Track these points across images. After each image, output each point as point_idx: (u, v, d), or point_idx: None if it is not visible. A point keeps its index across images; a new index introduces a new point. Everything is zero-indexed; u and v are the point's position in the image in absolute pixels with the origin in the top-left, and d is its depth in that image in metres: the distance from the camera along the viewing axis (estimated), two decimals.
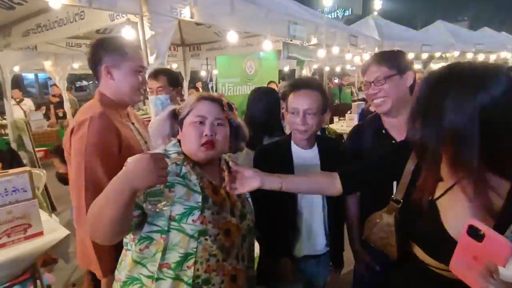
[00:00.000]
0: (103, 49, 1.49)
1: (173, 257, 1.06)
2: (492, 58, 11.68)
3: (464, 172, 0.87)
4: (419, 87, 0.91)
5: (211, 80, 10.16)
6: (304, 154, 1.57)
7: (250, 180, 1.13)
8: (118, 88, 1.52)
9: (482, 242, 0.68)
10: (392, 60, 1.49)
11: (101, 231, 0.98)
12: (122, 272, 1.13)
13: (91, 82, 26.75)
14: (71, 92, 8.43)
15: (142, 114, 8.76)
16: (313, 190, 1.30)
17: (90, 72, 1.58)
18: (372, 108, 1.65)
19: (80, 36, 5.39)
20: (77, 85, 11.83)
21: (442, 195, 0.97)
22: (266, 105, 2.16)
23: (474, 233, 0.69)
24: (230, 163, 1.13)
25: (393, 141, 1.52)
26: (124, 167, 0.94)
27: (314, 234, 1.60)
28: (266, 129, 2.08)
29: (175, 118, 1.23)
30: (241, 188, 1.13)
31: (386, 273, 1.23)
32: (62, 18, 3.77)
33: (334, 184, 1.22)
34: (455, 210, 0.92)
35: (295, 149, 1.58)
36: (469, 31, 12.10)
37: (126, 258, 1.13)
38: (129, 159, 0.94)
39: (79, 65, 7.91)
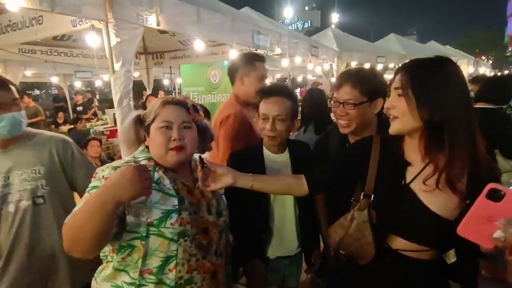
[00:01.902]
0: (240, 62, 2.05)
1: (154, 262, 1.06)
2: None
3: (444, 150, 0.99)
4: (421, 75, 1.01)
5: (174, 88, 10.01)
6: (276, 159, 1.61)
7: (223, 177, 1.15)
8: (246, 91, 2.01)
9: (500, 201, 0.78)
10: (366, 85, 1.45)
11: (82, 245, 0.94)
12: (102, 282, 1.11)
13: (43, 91, 25.18)
14: (31, 100, 7.92)
15: (102, 124, 8.42)
16: (282, 189, 1.33)
17: (44, 80, 1.72)
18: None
19: (34, 42, 5.10)
20: (30, 94, 11.04)
21: (413, 179, 1.06)
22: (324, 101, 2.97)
23: (493, 195, 0.79)
24: (205, 159, 1.14)
25: None
26: (106, 180, 0.94)
27: (286, 236, 1.64)
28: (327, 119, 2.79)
29: (141, 124, 1.23)
30: (214, 185, 1.15)
31: (358, 269, 1.23)
32: (16, 22, 3.55)
33: (301, 184, 1.26)
34: (429, 188, 1.01)
35: (267, 154, 1.62)
36: (418, 44, 13.04)
37: (107, 269, 1.11)
38: (113, 173, 0.95)
39: (32, 73, 7.47)
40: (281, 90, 1.57)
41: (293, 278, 1.76)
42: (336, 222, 1.23)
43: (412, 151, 1.08)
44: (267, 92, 1.58)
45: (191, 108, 1.23)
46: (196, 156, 1.34)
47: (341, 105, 1.48)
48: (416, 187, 1.05)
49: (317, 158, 1.73)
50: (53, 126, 9.00)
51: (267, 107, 1.54)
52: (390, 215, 1.09)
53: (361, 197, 1.16)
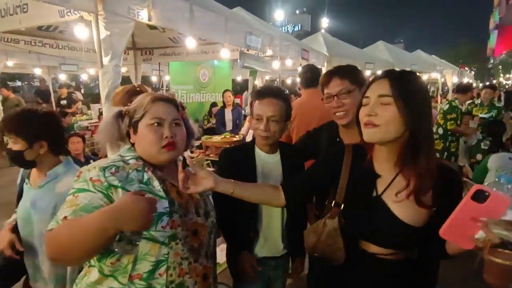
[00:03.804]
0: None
1: (144, 266, 1.02)
2: (425, 78, 12.96)
3: (419, 162, 1.04)
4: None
5: (162, 86, 9.87)
6: (267, 159, 1.63)
7: (203, 181, 1.14)
8: None
9: (485, 202, 0.81)
10: (353, 75, 1.57)
11: (69, 259, 0.91)
12: None
13: (26, 83, 24.42)
14: (10, 91, 7.66)
15: (86, 119, 8.23)
16: (261, 199, 1.35)
17: (26, 71, 1.63)
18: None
19: (18, 32, 4.91)
20: (10, 86, 10.47)
21: (384, 190, 1.10)
22: None
23: (478, 196, 0.82)
24: (188, 161, 1.12)
25: None
26: (115, 203, 0.89)
27: (272, 237, 1.65)
28: None
29: (122, 120, 1.19)
30: (194, 188, 1.13)
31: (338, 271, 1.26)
32: None
33: (279, 195, 1.29)
34: (400, 199, 1.07)
35: (258, 153, 1.63)
36: (406, 52, 13.29)
37: (90, 274, 1.05)
38: (123, 197, 0.89)
39: (14, 63, 7.22)
40: (275, 92, 1.58)
41: (278, 281, 1.76)
42: (310, 227, 1.28)
43: (381, 161, 1.12)
44: (261, 93, 1.59)
45: (180, 105, 1.22)
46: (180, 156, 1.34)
47: (335, 97, 1.57)
48: (387, 197, 1.09)
49: (304, 155, 1.77)
50: None
51: (261, 108, 1.55)
52: (362, 224, 1.13)
53: (332, 205, 1.19)
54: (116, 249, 0.96)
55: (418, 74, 1.10)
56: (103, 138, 1.19)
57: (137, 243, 0.98)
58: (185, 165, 1.10)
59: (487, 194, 0.81)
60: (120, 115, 1.19)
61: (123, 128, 1.18)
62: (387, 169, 1.11)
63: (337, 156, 1.24)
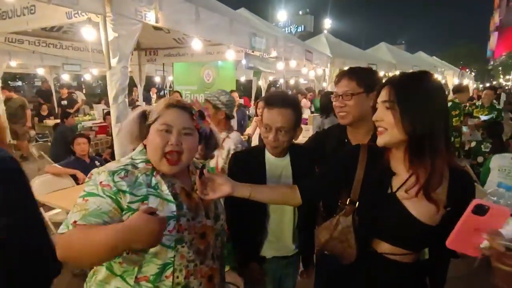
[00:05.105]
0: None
1: (151, 269, 1.03)
2: None
3: (425, 161, 1.06)
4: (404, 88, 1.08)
5: (165, 86, 9.87)
6: (277, 162, 1.63)
7: (221, 187, 1.17)
8: None
9: (485, 215, 0.84)
10: (362, 78, 1.57)
11: (80, 265, 0.96)
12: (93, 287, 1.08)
13: (26, 82, 24.45)
14: (11, 92, 7.62)
15: (90, 119, 8.24)
16: (278, 200, 1.38)
17: (28, 71, 1.56)
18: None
19: (22, 32, 4.92)
20: (11, 85, 10.46)
21: (399, 188, 1.12)
22: None
23: (478, 210, 0.84)
24: (204, 171, 1.13)
25: None
26: (126, 222, 0.89)
27: (283, 236, 1.66)
28: None
29: (145, 120, 1.17)
30: (212, 194, 1.16)
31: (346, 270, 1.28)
32: (6, 11, 3.41)
33: (295, 195, 1.31)
34: (410, 196, 1.08)
35: (268, 157, 1.63)
36: (407, 53, 13.30)
37: (99, 273, 1.07)
38: (134, 216, 0.89)
39: (17, 63, 7.23)
40: (284, 101, 1.55)
41: (290, 279, 1.78)
42: (322, 224, 1.29)
43: (398, 161, 1.14)
44: (270, 102, 1.56)
45: (196, 114, 1.18)
46: (196, 161, 1.33)
47: (340, 97, 1.60)
48: (402, 195, 1.10)
49: (313, 154, 1.77)
50: (36, 119, 8.72)
51: (270, 117, 1.53)
52: (376, 222, 1.14)
53: (347, 203, 1.21)
54: (122, 259, 0.99)
55: (428, 74, 1.10)
56: (125, 135, 1.19)
57: (144, 255, 1.01)
58: (201, 174, 1.12)
59: (486, 207, 0.84)
60: (143, 115, 1.18)
61: (145, 128, 1.17)
62: (403, 169, 1.12)
63: (352, 156, 1.24)
